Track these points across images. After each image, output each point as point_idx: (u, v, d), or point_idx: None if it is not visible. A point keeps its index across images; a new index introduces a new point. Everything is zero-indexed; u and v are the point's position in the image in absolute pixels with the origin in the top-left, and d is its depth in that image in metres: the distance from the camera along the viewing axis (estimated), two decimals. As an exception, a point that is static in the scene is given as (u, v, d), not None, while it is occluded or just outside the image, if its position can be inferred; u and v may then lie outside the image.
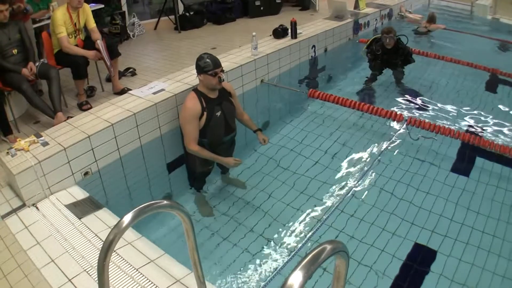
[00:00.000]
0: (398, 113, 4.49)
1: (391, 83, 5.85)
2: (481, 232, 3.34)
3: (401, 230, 3.40)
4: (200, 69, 3.43)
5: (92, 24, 5.13)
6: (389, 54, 5.62)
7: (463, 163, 4.27)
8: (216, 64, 3.42)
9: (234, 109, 3.74)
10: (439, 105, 5.24)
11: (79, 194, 3.20)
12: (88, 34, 5.19)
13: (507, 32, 8.53)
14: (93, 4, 6.86)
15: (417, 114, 4.96)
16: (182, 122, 3.54)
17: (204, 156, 3.54)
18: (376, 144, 4.50)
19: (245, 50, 5.32)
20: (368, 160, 4.26)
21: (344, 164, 4.24)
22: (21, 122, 4.69)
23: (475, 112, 5.12)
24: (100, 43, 4.93)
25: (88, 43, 5.07)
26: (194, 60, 3.49)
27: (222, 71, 3.48)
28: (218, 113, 3.54)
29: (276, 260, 3.18)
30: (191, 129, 3.47)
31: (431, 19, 8.19)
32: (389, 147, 4.34)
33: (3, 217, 2.95)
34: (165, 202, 1.78)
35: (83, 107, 4.85)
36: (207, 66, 3.38)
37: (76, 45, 4.98)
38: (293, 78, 5.81)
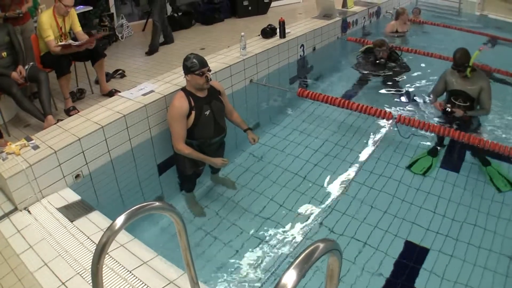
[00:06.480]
0: (387, 111, 4.52)
1: (379, 82, 5.89)
2: (473, 225, 3.41)
3: (393, 227, 3.44)
4: (187, 69, 3.44)
5: (78, 28, 5.16)
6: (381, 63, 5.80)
7: (453, 159, 4.32)
8: (203, 63, 3.43)
9: (224, 107, 3.75)
10: (428, 102, 5.27)
11: (71, 197, 3.19)
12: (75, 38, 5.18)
13: (495, 28, 8.58)
14: (82, 6, 6.85)
15: (406, 112, 4.99)
16: (169, 121, 3.54)
17: (191, 156, 3.55)
18: (366, 143, 4.54)
19: (233, 50, 5.33)
20: (358, 158, 4.29)
21: (335, 162, 4.27)
22: (11, 126, 4.67)
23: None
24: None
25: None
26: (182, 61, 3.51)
27: (209, 70, 3.49)
28: (207, 112, 3.54)
29: (268, 260, 3.19)
30: (178, 128, 3.48)
31: (397, 16, 7.71)
32: (379, 146, 4.37)
33: (-5, 221, 2.94)
34: (157, 203, 1.78)
35: (70, 112, 4.79)
36: (194, 66, 3.40)
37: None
38: (282, 77, 5.82)
